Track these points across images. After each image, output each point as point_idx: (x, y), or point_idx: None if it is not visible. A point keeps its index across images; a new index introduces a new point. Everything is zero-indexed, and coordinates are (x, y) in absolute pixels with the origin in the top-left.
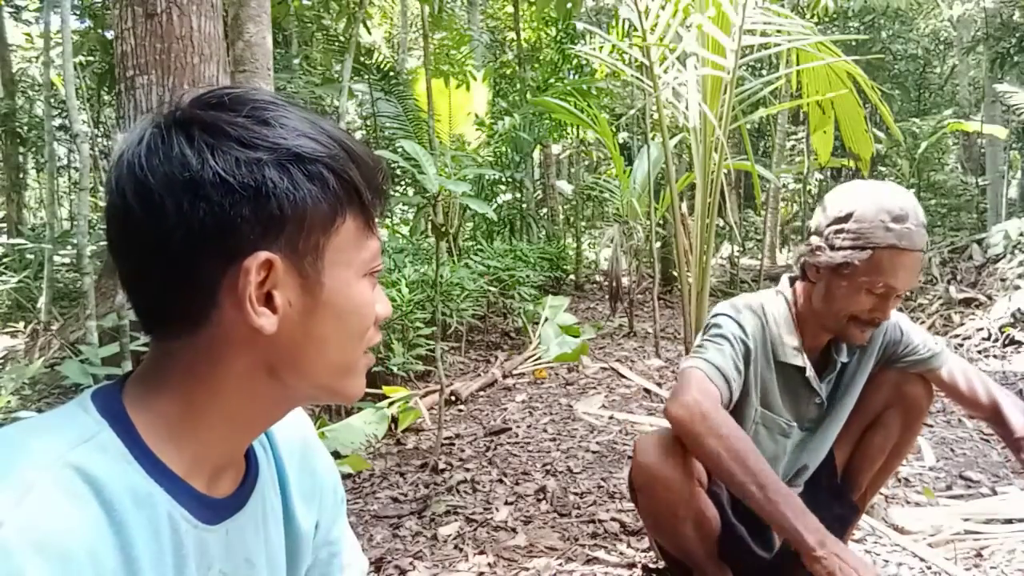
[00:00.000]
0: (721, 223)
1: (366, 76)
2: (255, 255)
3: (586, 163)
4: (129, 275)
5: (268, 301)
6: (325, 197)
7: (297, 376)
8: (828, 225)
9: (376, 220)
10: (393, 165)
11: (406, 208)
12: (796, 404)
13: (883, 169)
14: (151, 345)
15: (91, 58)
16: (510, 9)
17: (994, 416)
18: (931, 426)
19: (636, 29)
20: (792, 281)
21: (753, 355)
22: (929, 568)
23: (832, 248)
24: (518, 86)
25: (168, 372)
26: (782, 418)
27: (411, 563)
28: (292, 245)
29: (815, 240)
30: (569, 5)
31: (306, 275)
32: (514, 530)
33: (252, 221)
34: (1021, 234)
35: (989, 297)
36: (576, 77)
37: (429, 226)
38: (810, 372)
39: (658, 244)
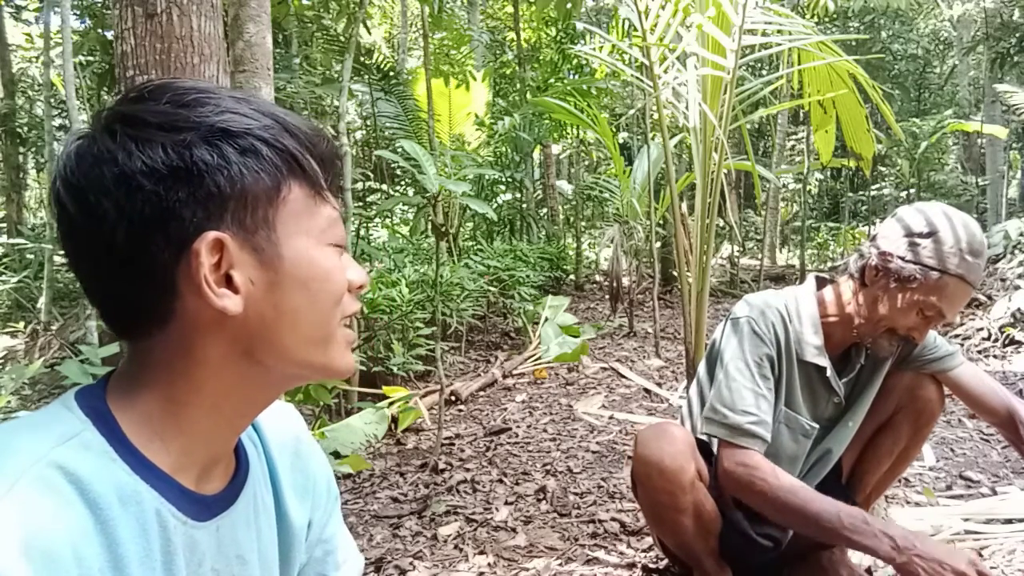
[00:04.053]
0: (721, 223)
1: (366, 76)
2: (202, 236)
3: (586, 163)
4: (90, 285)
5: (229, 283)
6: (263, 168)
7: (275, 355)
8: (905, 235)
9: (325, 187)
10: (393, 165)
11: (406, 208)
12: (815, 403)
13: (883, 169)
14: (127, 346)
15: (91, 58)
16: (510, 9)
17: (1008, 422)
18: None
19: (636, 29)
20: (821, 282)
21: (777, 360)
22: None
23: (902, 259)
24: (518, 86)
25: (146, 370)
26: (804, 417)
27: (411, 563)
28: (239, 222)
29: (885, 245)
30: (569, 5)
31: (261, 250)
32: (514, 530)
33: (190, 203)
34: (1021, 234)
35: (989, 297)
36: (576, 77)
37: (429, 226)
38: (830, 372)
39: (658, 244)
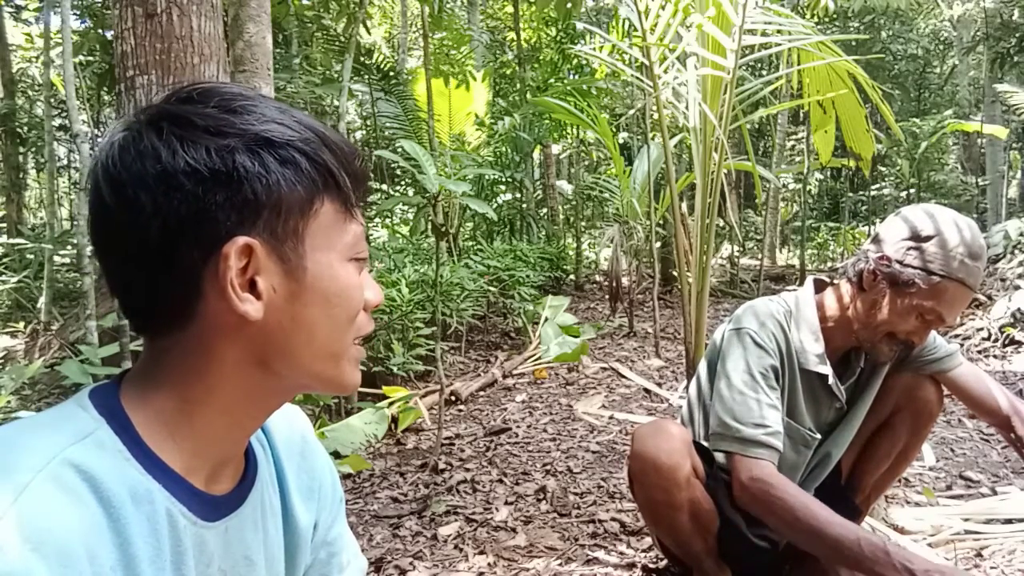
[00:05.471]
0: (721, 223)
1: (366, 76)
2: (233, 240)
3: (586, 163)
4: (115, 276)
5: (252, 288)
6: (299, 180)
7: (288, 365)
8: (904, 239)
9: (355, 204)
10: (393, 165)
11: (406, 208)
12: (818, 410)
13: (883, 169)
14: (144, 344)
15: (91, 58)
16: (510, 9)
17: (1007, 423)
18: None
19: (636, 29)
20: (820, 285)
21: (779, 372)
22: None
23: (901, 263)
24: (518, 86)
25: (162, 369)
26: (804, 428)
27: (411, 563)
28: (271, 230)
29: (883, 249)
30: (569, 5)
31: (288, 260)
32: (514, 530)
33: (226, 207)
34: (1021, 234)
35: (989, 297)
36: (576, 77)
37: (429, 226)
38: (832, 380)
39: (658, 244)
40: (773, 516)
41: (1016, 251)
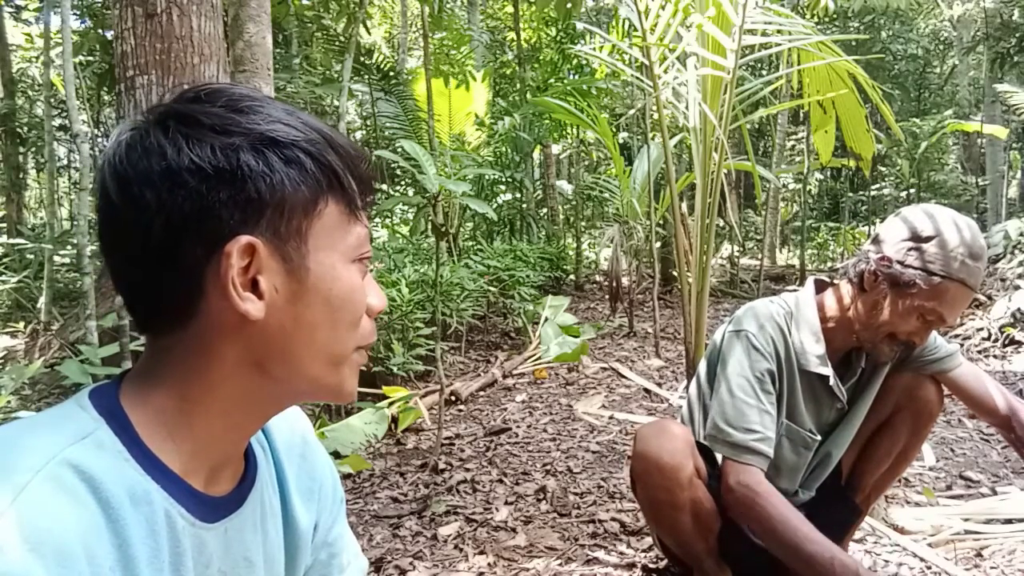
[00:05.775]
0: (721, 223)
1: (366, 76)
2: (236, 239)
3: (586, 163)
4: (119, 274)
5: (254, 288)
6: (304, 180)
7: (287, 367)
8: (904, 240)
9: (360, 206)
10: (393, 165)
11: (406, 208)
12: (819, 411)
13: (883, 169)
14: (146, 343)
15: (91, 58)
16: (510, 9)
17: (1007, 423)
18: None
19: (636, 29)
20: (820, 286)
21: (777, 374)
22: (929, 568)
23: (902, 264)
24: (518, 86)
25: (163, 368)
26: (805, 429)
27: (411, 563)
28: (274, 229)
29: (884, 250)
30: (569, 5)
31: (290, 260)
32: (514, 530)
33: (230, 205)
34: (1021, 234)
35: (989, 297)
36: (576, 77)
37: (429, 226)
38: (833, 380)
39: (658, 244)
40: (754, 523)
41: (1016, 251)
